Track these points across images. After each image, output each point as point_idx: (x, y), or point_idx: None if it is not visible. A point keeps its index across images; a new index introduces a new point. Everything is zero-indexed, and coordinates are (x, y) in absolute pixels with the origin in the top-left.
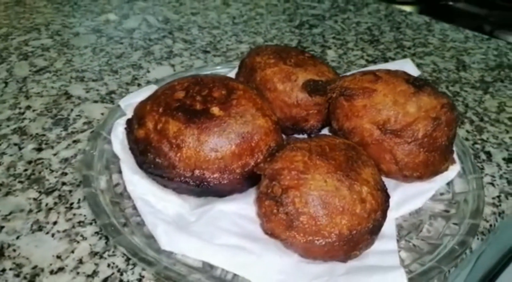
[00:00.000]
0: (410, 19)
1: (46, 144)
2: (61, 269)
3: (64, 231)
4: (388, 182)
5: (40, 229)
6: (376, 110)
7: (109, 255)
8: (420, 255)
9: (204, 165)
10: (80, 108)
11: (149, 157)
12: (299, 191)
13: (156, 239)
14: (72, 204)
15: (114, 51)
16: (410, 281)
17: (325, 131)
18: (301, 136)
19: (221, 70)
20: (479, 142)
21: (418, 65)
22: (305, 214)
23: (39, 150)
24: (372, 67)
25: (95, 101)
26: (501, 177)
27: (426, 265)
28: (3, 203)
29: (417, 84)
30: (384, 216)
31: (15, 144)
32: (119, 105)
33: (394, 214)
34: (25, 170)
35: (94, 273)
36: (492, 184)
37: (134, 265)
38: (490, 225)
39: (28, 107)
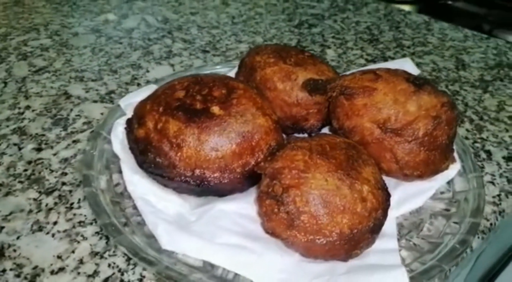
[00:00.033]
0: (409, 18)
1: (45, 143)
2: (61, 269)
3: (65, 231)
4: (389, 181)
5: (40, 229)
6: (377, 109)
7: (109, 255)
8: (421, 254)
9: (204, 164)
10: (79, 108)
11: (149, 157)
12: (300, 190)
13: (156, 238)
14: (72, 204)
15: (113, 51)
16: (411, 280)
17: (325, 130)
18: (301, 135)
19: (220, 69)
20: (479, 140)
21: (418, 65)
22: (306, 213)
23: (39, 150)
24: (372, 66)
25: (95, 101)
26: (501, 175)
27: (427, 264)
28: (3, 203)
29: (417, 83)
30: (385, 215)
31: (15, 144)
32: (119, 105)
33: (394, 213)
34: (25, 170)
35: (95, 273)
36: (492, 183)
37: (135, 265)
38: (491, 224)
39: (28, 107)
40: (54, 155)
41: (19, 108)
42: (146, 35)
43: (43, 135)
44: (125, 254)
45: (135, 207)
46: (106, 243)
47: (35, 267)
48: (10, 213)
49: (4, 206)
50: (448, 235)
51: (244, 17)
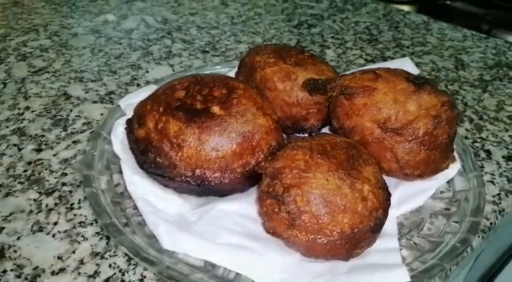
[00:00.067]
0: (408, 18)
1: (45, 144)
2: (62, 270)
3: (65, 231)
4: (389, 181)
5: (40, 229)
6: (377, 109)
7: (110, 256)
8: (422, 253)
9: (205, 164)
10: (79, 108)
11: (150, 157)
12: (301, 189)
13: (157, 238)
14: (72, 204)
15: (113, 51)
16: (412, 279)
17: (325, 130)
18: (301, 135)
19: (220, 70)
20: (479, 140)
21: (417, 64)
22: (307, 213)
23: (39, 150)
24: (372, 66)
25: (94, 102)
26: (501, 175)
27: (428, 263)
28: (3, 204)
29: (417, 83)
30: (385, 214)
31: (15, 145)
32: (119, 105)
33: (395, 212)
34: (25, 171)
35: (96, 273)
36: (492, 182)
37: (136, 265)
38: (491, 223)
39: (27, 108)
40: (54, 155)
41: (19, 109)
42: (146, 35)
43: (43, 136)
44: (126, 254)
45: (135, 207)
46: (107, 243)
47: (36, 268)
48: (10, 214)
49: (4, 207)
50: (449, 234)
51: (243, 17)
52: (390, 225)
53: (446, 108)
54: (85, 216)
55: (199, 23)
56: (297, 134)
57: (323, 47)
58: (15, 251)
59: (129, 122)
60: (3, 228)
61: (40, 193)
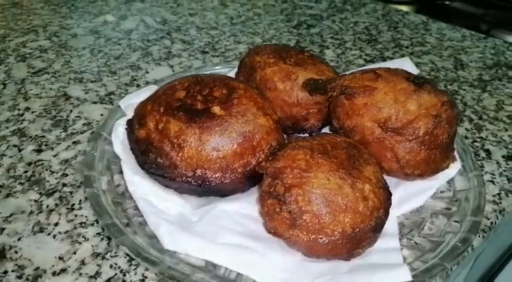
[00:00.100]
0: (407, 18)
1: (46, 145)
2: (63, 270)
3: (66, 232)
4: (390, 180)
5: (41, 230)
6: (377, 109)
7: (111, 256)
8: (423, 252)
9: (205, 165)
10: (79, 109)
11: (151, 157)
12: (302, 189)
13: (159, 238)
14: (73, 205)
15: (112, 52)
16: (413, 278)
17: (326, 130)
18: (302, 135)
19: (220, 70)
20: (478, 140)
21: (416, 64)
22: (308, 212)
23: (39, 151)
24: (372, 66)
25: (94, 102)
26: (501, 174)
27: (429, 262)
28: (3, 205)
29: (417, 82)
30: (386, 214)
31: (15, 146)
32: (119, 106)
33: (395, 212)
34: (25, 172)
35: (97, 274)
36: (492, 182)
37: (137, 265)
38: (491, 223)
39: (27, 108)
40: (54, 156)
41: (19, 109)
42: (145, 36)
43: (43, 136)
44: (127, 255)
45: (136, 208)
46: (108, 244)
47: (37, 268)
48: (11, 215)
49: (4, 207)
50: (449, 234)
51: (242, 18)
52: (391, 225)
53: (446, 107)
54: (86, 216)
55: (198, 23)
56: (298, 134)
57: (322, 47)
58: (16, 252)
59: (129, 122)
60: (3, 228)
61: (40, 193)
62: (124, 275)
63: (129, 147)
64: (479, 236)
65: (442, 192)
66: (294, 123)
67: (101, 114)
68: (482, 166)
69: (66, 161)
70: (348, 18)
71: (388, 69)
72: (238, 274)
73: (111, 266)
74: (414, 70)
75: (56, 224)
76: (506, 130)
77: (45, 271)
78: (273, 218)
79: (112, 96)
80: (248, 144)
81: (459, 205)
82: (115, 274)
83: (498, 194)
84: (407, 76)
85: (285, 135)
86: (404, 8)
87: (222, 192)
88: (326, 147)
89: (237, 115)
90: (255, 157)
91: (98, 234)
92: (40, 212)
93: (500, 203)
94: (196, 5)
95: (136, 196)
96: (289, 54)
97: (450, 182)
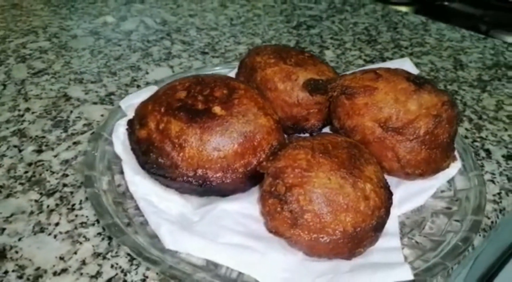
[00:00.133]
0: (407, 19)
1: (46, 145)
2: (64, 270)
3: (67, 232)
4: (390, 180)
5: (42, 230)
6: (378, 108)
7: (112, 256)
8: (424, 252)
9: (206, 164)
10: (79, 110)
11: (152, 157)
12: (303, 188)
13: (160, 238)
14: (74, 205)
15: (112, 53)
16: (415, 277)
17: (326, 130)
18: (302, 135)
19: (220, 71)
20: (478, 139)
21: (416, 65)
22: (309, 212)
23: (39, 151)
24: (372, 67)
25: (95, 103)
26: (501, 174)
27: (430, 261)
28: (4, 205)
29: (418, 82)
30: (387, 213)
31: (15, 146)
32: (119, 106)
33: (396, 212)
34: (26, 172)
35: (98, 274)
36: (493, 181)
37: (138, 265)
38: (492, 222)
39: (27, 109)
40: (55, 156)
41: (19, 110)
42: (145, 37)
43: (43, 137)
44: (128, 255)
45: (137, 208)
46: (109, 244)
47: (38, 268)
48: (11, 215)
49: (5, 208)
50: (450, 233)
51: (242, 19)
52: (392, 224)
53: (446, 107)
54: (87, 216)
55: (198, 24)
56: (298, 134)
57: (322, 48)
58: (16, 252)
59: (130, 123)
60: (4, 229)
61: (41, 193)
62: (125, 275)
63: (130, 147)
64: (480, 235)
65: (442, 191)
66: (294, 124)
67: (102, 115)
68: (482, 166)
69: (66, 161)
70: (347, 18)
71: (388, 69)
72: (240, 273)
73: (112, 266)
74: (414, 71)
75: (57, 224)
76: (506, 130)
77: (45, 271)
78: (274, 217)
79: (112, 97)
80: (249, 143)
81: (459, 204)
82: (116, 274)
83: (499, 193)
84: (408, 76)
85: (285, 136)
86: (403, 8)
87: (223, 191)
88: (327, 146)
89: (238, 115)
90: (256, 156)
91: (99, 234)
92: (41, 212)
93: (501, 202)
94: (196, 6)
95: (137, 196)
96: (289, 54)
97: (451, 181)
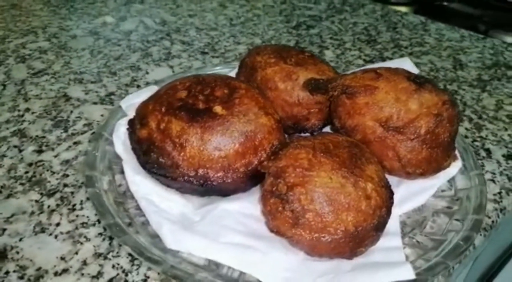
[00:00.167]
0: (406, 19)
1: (46, 145)
2: (65, 271)
3: (68, 232)
4: (391, 179)
5: (43, 230)
6: (378, 108)
7: (113, 256)
8: (425, 251)
9: (207, 164)
10: (79, 110)
11: (152, 157)
12: (305, 188)
13: (161, 238)
14: (74, 205)
15: (112, 53)
16: (416, 276)
17: (326, 130)
18: (303, 135)
19: (220, 71)
20: (478, 139)
21: (416, 65)
22: (311, 211)
23: (40, 151)
24: (372, 66)
25: (95, 103)
26: (501, 173)
27: (431, 261)
28: (4, 205)
29: (418, 82)
30: (388, 213)
31: (15, 146)
32: (120, 106)
33: (397, 211)
34: (26, 172)
35: (99, 274)
36: (493, 181)
37: (139, 265)
38: (492, 221)
39: (27, 109)
40: (55, 156)
41: (19, 110)
42: (145, 37)
43: (44, 137)
44: (129, 255)
45: (138, 207)
46: (110, 244)
47: (39, 269)
48: (12, 215)
49: (5, 208)
50: (451, 232)
51: (242, 19)
52: (393, 224)
53: (447, 106)
54: (88, 217)
55: (198, 24)
56: (299, 134)
57: (322, 48)
58: (17, 252)
59: (131, 122)
60: (5, 229)
61: (41, 194)
62: (126, 275)
63: (131, 147)
64: (481, 235)
65: (443, 190)
66: (295, 123)
67: (102, 115)
68: (482, 165)
69: (67, 161)
70: (347, 19)
71: (389, 69)
72: (241, 273)
73: (113, 266)
74: (414, 70)
75: (58, 224)
76: (506, 129)
77: (47, 272)
78: (275, 217)
79: (112, 97)
80: (250, 143)
81: (460, 204)
82: (117, 274)
83: (499, 193)
84: (408, 75)
85: (286, 135)
86: (403, 9)
87: (224, 191)
88: (328, 146)
89: (239, 115)
90: (257, 156)
91: (100, 234)
92: (41, 213)
93: (501, 201)
94: (195, 6)
95: (138, 195)
96: (289, 54)
97: (451, 180)
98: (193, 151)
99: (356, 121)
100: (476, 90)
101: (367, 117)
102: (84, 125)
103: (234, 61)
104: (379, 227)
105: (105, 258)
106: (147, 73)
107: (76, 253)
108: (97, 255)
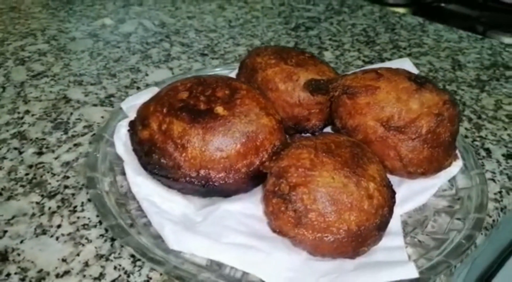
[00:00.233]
0: (404, 20)
1: (46, 147)
2: (67, 272)
3: (69, 234)
4: (392, 179)
5: (44, 232)
6: (380, 108)
7: (115, 257)
8: (427, 250)
9: (209, 165)
10: (79, 112)
11: (154, 158)
12: (307, 188)
13: (164, 239)
14: (75, 207)
15: (111, 55)
16: (419, 275)
17: (327, 130)
18: (304, 135)
19: (220, 72)
20: (478, 139)
21: (415, 65)
22: (313, 211)
23: (40, 153)
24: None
25: (95, 105)
26: (501, 172)
27: (433, 260)
28: (5, 207)
29: (419, 81)
30: (390, 212)
31: (15, 148)
32: (120, 108)
33: (399, 211)
34: (27, 174)
35: (101, 275)
36: (493, 180)
37: (141, 266)
38: (493, 220)
39: (27, 111)
40: (56, 158)
41: (19, 113)
42: (144, 39)
43: (44, 139)
44: (131, 256)
45: (140, 209)
46: (111, 245)
47: (40, 271)
48: (13, 217)
49: (6, 210)
50: (453, 231)
51: (241, 20)
52: (395, 223)
53: (448, 106)
54: (89, 218)
55: (197, 26)
56: (300, 135)
57: (321, 49)
58: (18, 254)
59: (131, 124)
60: (6, 231)
61: (42, 196)
62: (128, 276)
63: (132, 148)
64: (482, 234)
65: (444, 190)
66: (295, 124)
67: (102, 117)
68: (482, 165)
69: (67, 163)
70: (345, 20)
71: (389, 69)
72: (244, 273)
73: (115, 268)
74: (414, 70)
75: (59, 226)
76: (505, 129)
77: (48, 273)
78: (278, 217)
79: (112, 98)
80: (251, 143)
81: (461, 203)
82: (119, 276)
83: (499, 192)
84: (409, 75)
85: (287, 136)
86: (401, 10)
87: (226, 192)
88: (330, 145)
89: (240, 116)
90: (258, 156)
91: (101, 235)
92: (42, 214)
93: (502, 200)
94: (194, 8)
95: (140, 196)
96: (290, 55)
97: (452, 180)
98: (194, 151)
99: (357, 121)
100: (475, 91)
101: (368, 117)
102: (84, 127)
103: (234, 63)
104: (382, 227)
105: (107, 259)
106: (147, 75)
107: (78, 255)
108: (99, 257)
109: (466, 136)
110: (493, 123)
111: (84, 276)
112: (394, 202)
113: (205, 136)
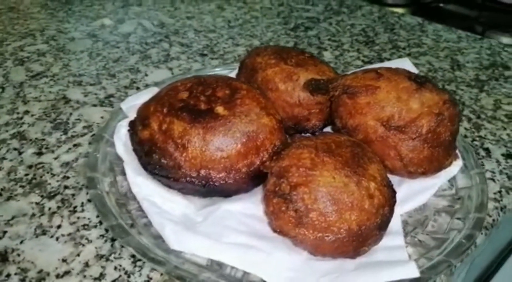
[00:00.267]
0: (403, 20)
1: (46, 148)
2: (67, 273)
3: (69, 234)
4: (392, 179)
5: (44, 233)
6: (380, 107)
7: (115, 258)
8: (427, 250)
9: (210, 165)
10: (79, 112)
11: (154, 158)
12: (308, 187)
13: (164, 239)
14: (75, 207)
15: (111, 55)
16: (420, 275)
17: (327, 130)
18: (305, 135)
19: (219, 72)
20: (478, 138)
21: (414, 65)
22: (314, 211)
23: (40, 154)
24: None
25: (94, 105)
26: (501, 172)
27: (434, 259)
28: (4, 208)
29: (419, 81)
30: (391, 212)
31: (15, 149)
32: (120, 108)
33: (399, 210)
34: (26, 175)
35: (101, 276)
36: (493, 180)
37: (141, 267)
38: (493, 220)
39: (26, 112)
40: (55, 159)
41: (18, 113)
42: (143, 39)
43: (43, 139)
44: (131, 256)
45: (140, 209)
46: (111, 245)
47: (40, 271)
48: (13, 218)
49: (6, 211)
50: (454, 231)
51: (240, 21)
52: (395, 223)
53: (448, 106)
54: (89, 218)
55: (196, 26)
56: (300, 134)
57: (320, 49)
58: (18, 255)
59: (132, 124)
60: (5, 232)
61: (42, 196)
62: (129, 276)
63: (132, 148)
64: (482, 234)
65: (444, 190)
66: (295, 124)
67: (101, 117)
68: (482, 164)
69: (67, 163)
70: (344, 20)
71: (389, 69)
72: (245, 273)
73: (115, 268)
74: (414, 70)
75: (59, 227)
76: (505, 129)
77: (48, 274)
78: (279, 217)
79: (111, 99)
80: (252, 143)
81: (461, 203)
82: (120, 276)
83: (499, 192)
84: (409, 75)
85: (287, 136)
86: (400, 10)
87: (226, 192)
88: (331, 145)
89: (241, 115)
90: (258, 156)
91: (102, 236)
92: (42, 215)
93: (501, 200)
94: (193, 8)
95: (140, 197)
96: (289, 55)
97: (452, 179)
98: (195, 151)
99: (358, 121)
100: (474, 90)
101: (369, 117)
102: (84, 127)
103: (233, 63)
104: (382, 226)
105: (107, 259)
106: (146, 75)
107: (78, 255)
108: (99, 257)
109: (465, 136)
110: (492, 123)
111: (85, 276)
112: (394, 201)
113: (206, 136)
